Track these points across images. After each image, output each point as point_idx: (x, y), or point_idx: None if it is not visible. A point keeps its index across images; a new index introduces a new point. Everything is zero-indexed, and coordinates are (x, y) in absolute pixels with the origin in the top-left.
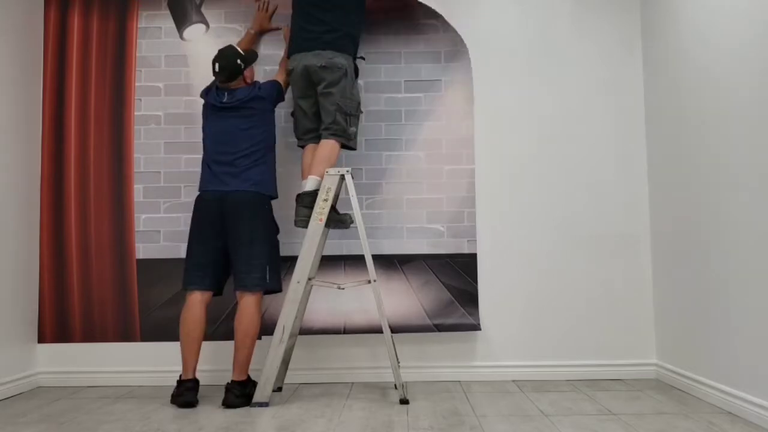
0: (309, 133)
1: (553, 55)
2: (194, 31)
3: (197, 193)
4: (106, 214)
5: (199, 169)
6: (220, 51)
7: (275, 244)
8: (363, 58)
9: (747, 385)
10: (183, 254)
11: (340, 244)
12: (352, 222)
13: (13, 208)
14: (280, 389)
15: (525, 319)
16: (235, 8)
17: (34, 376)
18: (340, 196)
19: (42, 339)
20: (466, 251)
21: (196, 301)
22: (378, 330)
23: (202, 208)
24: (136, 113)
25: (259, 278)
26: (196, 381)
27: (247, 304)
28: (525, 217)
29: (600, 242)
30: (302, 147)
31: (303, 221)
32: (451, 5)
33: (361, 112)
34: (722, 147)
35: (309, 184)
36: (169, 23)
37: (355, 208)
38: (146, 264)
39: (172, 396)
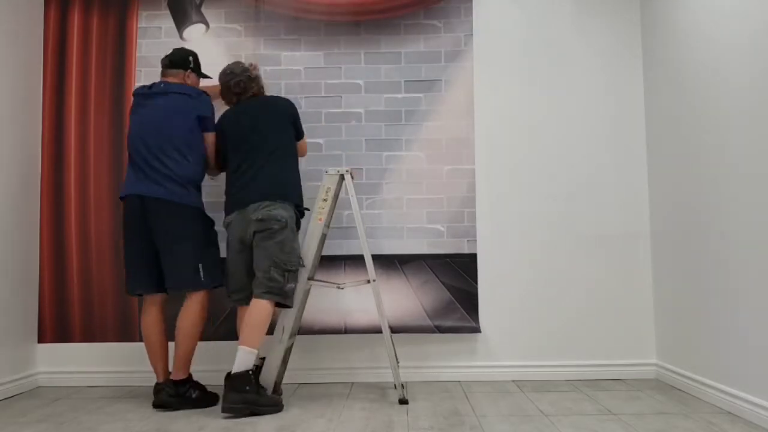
0: (239, 292)
1: (554, 55)
2: (194, 31)
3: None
4: (106, 214)
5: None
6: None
7: (210, 238)
8: (307, 209)
9: (747, 385)
10: None
11: (340, 244)
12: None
13: (13, 208)
14: (276, 389)
15: (525, 319)
16: (235, 8)
17: (34, 376)
18: (339, 196)
19: (42, 339)
20: (466, 251)
21: (147, 305)
22: (378, 330)
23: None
24: None
25: (191, 277)
26: (170, 382)
27: (187, 304)
28: (525, 217)
29: (600, 242)
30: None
31: (230, 409)
32: (451, 5)
33: (303, 266)
34: (722, 147)
35: (241, 360)
36: (169, 23)
37: (354, 208)
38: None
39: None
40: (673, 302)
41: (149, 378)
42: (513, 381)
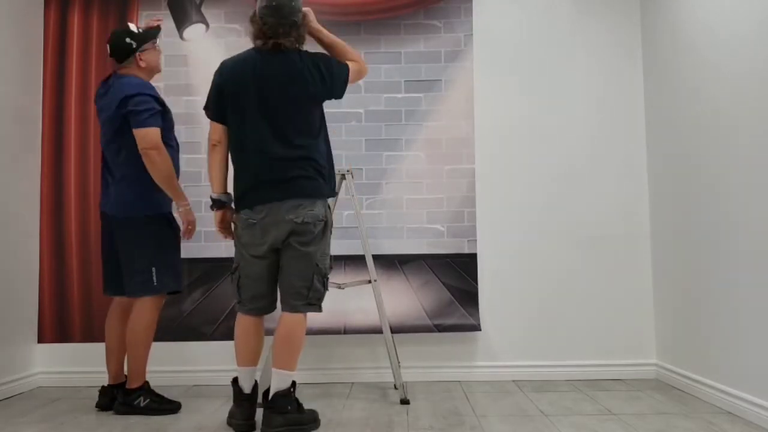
0: (261, 299)
1: (553, 55)
2: (194, 31)
3: (196, 193)
4: None
5: (198, 169)
6: (113, 31)
7: (164, 243)
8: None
9: (747, 385)
10: (183, 254)
11: (340, 244)
12: None
13: (13, 208)
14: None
15: (525, 319)
16: (235, 8)
17: (34, 376)
18: (339, 196)
19: (42, 339)
20: (466, 251)
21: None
22: (378, 330)
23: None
24: None
25: (142, 282)
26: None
27: (135, 310)
28: (525, 217)
29: (600, 242)
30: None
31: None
32: (451, 5)
33: (332, 267)
34: (722, 147)
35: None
36: (169, 23)
37: (356, 207)
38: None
39: None
40: (673, 302)
41: (149, 378)
42: (513, 381)
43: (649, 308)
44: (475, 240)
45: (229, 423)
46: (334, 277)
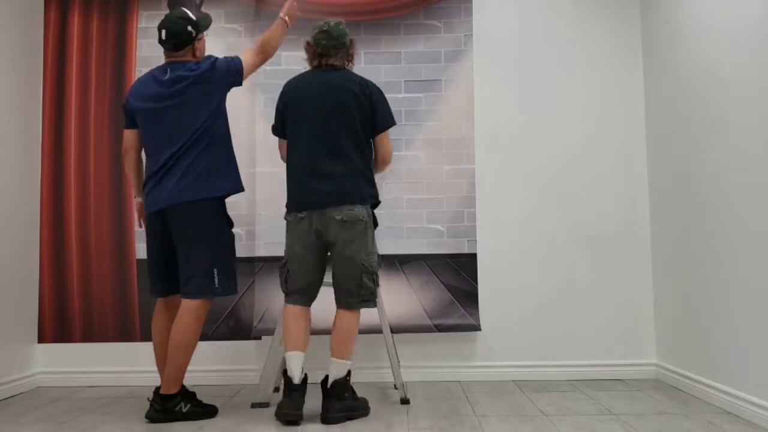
0: (305, 291)
1: (553, 54)
2: None
3: None
4: (106, 214)
5: None
6: (167, 15)
7: (226, 244)
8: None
9: (747, 385)
10: None
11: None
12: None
13: (13, 208)
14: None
15: (525, 319)
16: (235, 8)
17: (34, 376)
18: None
19: (42, 339)
20: (466, 251)
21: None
22: (378, 330)
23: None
24: None
25: (201, 284)
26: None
27: (182, 313)
28: (525, 217)
29: (600, 242)
30: (289, 305)
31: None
32: (451, 5)
33: (381, 266)
34: (722, 146)
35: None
36: None
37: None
38: (146, 264)
39: None
40: (672, 302)
41: (149, 378)
42: (513, 381)
43: (649, 308)
44: (475, 240)
45: (277, 415)
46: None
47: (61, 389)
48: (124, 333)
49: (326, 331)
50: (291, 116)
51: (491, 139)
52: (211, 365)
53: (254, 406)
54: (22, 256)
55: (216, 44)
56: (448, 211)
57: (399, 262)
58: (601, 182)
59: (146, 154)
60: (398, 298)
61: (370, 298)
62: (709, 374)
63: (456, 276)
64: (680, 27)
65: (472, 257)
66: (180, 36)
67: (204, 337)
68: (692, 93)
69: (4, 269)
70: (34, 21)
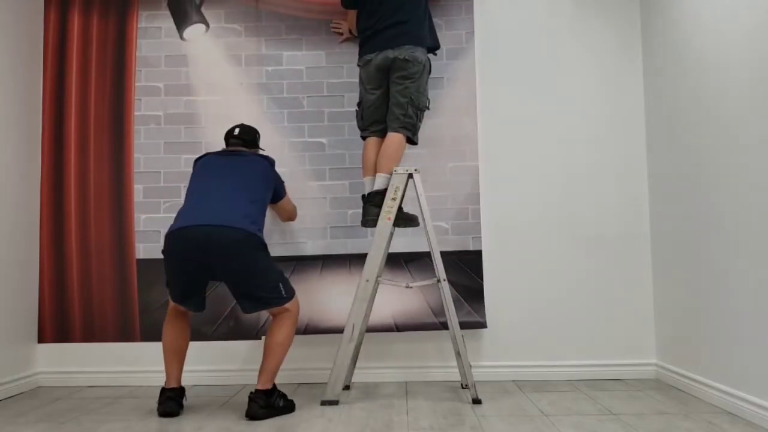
0: (375, 124)
1: (555, 52)
2: (194, 31)
3: None
4: (106, 214)
5: None
6: (242, 124)
7: (272, 261)
8: (436, 54)
9: (747, 385)
10: None
11: (344, 243)
12: (418, 224)
13: (13, 208)
14: (348, 387)
15: (526, 319)
16: (235, 8)
17: (34, 376)
18: (405, 195)
19: (42, 339)
20: (471, 248)
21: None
22: (378, 330)
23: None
24: (136, 113)
25: (272, 299)
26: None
27: (281, 319)
28: (527, 215)
29: (600, 242)
30: (364, 139)
31: (373, 221)
32: (452, 3)
33: (428, 108)
34: (722, 147)
35: (379, 182)
36: (169, 23)
37: (423, 206)
38: (146, 264)
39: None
40: (672, 302)
41: (149, 378)
42: (513, 381)
43: (649, 308)
44: (480, 237)
45: None
46: (335, 275)
47: (62, 389)
48: (124, 333)
49: (333, 330)
50: None
51: (494, 135)
52: (211, 365)
53: (323, 403)
54: (22, 256)
55: (216, 44)
56: (453, 209)
57: (404, 260)
58: (602, 181)
59: None
60: (403, 295)
61: (411, 128)
62: (709, 374)
63: (461, 273)
64: (680, 27)
65: (478, 254)
66: (255, 142)
67: (204, 337)
68: (692, 93)
69: (4, 269)
70: (34, 21)
